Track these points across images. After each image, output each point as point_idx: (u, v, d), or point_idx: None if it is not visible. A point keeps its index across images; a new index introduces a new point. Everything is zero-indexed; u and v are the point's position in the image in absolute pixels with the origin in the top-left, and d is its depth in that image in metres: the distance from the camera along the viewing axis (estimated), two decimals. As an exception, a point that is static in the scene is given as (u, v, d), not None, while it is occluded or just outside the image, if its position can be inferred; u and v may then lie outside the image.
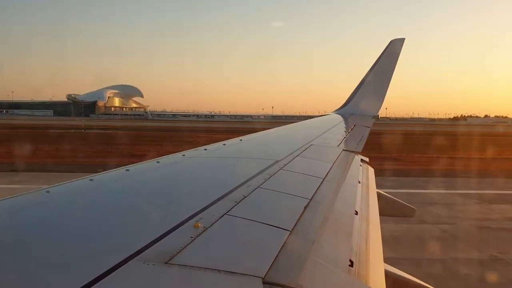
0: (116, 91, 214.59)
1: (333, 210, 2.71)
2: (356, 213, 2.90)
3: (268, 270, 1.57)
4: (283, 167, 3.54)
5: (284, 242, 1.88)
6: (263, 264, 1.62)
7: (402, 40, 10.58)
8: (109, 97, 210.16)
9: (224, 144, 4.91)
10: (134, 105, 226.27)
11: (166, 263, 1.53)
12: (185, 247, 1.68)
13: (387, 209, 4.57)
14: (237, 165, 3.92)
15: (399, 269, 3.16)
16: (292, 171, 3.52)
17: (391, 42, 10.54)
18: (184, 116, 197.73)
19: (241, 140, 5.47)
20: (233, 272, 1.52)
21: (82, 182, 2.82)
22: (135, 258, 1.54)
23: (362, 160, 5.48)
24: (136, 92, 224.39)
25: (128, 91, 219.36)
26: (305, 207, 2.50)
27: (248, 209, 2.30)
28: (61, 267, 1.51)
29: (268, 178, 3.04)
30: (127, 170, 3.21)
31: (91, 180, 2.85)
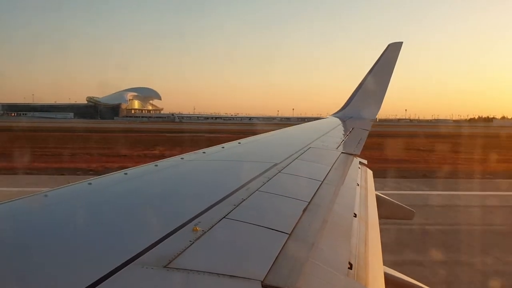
0: (135, 94, 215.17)
1: (332, 213, 2.71)
2: (355, 215, 2.90)
3: (267, 274, 1.56)
4: (281, 170, 3.54)
5: (283, 245, 1.87)
6: (262, 267, 1.61)
7: (400, 44, 10.62)
8: (129, 100, 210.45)
9: (223, 147, 4.91)
10: (150, 107, 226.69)
11: (164, 267, 1.53)
12: (184, 250, 1.67)
13: (386, 211, 4.57)
14: (235, 168, 3.92)
15: (398, 271, 3.16)
16: (291, 174, 3.51)
17: (389, 45, 10.58)
18: (207, 119, 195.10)
19: (239, 143, 5.48)
20: (232, 276, 1.51)
21: (80, 186, 2.82)
22: (134, 262, 1.53)
23: (360, 162, 5.48)
24: (154, 95, 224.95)
25: (146, 94, 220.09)
26: (304, 210, 2.49)
27: (247, 212, 2.29)
28: (59, 272, 1.50)
29: (267, 181, 3.03)
30: (125, 173, 3.21)
31: (90, 184, 2.85)
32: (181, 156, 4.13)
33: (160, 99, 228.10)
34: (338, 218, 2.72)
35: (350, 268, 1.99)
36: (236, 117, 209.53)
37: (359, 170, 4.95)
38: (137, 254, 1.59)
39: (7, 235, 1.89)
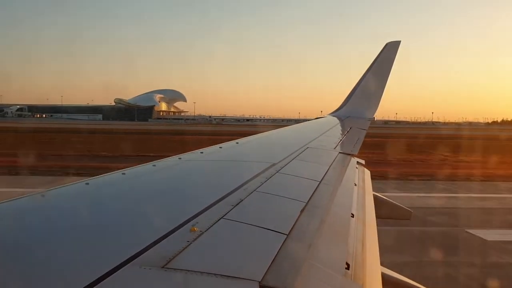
0: (162, 96, 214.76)
1: (330, 213, 2.72)
2: (353, 215, 2.91)
3: (265, 274, 1.57)
4: (279, 170, 3.54)
5: (281, 246, 1.88)
6: (260, 267, 1.62)
7: (397, 43, 10.63)
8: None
9: (221, 147, 4.91)
10: (172, 109, 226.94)
11: (162, 267, 1.53)
12: (182, 251, 1.68)
13: (383, 211, 4.58)
14: (233, 168, 3.92)
15: (395, 271, 3.17)
16: (288, 174, 3.52)
17: (386, 44, 10.58)
18: (238, 121, 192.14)
19: (237, 143, 5.48)
20: (230, 276, 1.51)
21: (77, 186, 2.81)
22: (132, 262, 1.54)
23: (358, 162, 5.49)
24: (180, 97, 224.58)
25: (172, 96, 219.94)
26: (302, 210, 2.50)
27: (245, 212, 2.30)
28: (57, 272, 1.50)
29: (265, 181, 3.04)
30: (123, 173, 3.20)
31: (87, 184, 2.84)
32: (179, 156, 4.13)
33: (186, 101, 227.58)
34: (335, 218, 2.73)
35: (348, 268, 2.00)
36: (265, 119, 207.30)
37: (357, 170, 4.96)
38: (135, 254, 1.59)
39: (5, 234, 1.89)
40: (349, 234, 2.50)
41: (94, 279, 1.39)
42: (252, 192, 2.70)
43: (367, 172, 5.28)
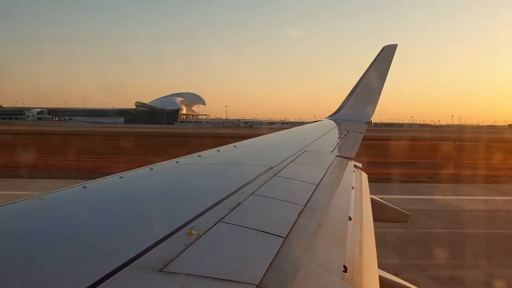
0: (182, 99, 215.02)
1: (327, 216, 2.72)
2: (350, 218, 2.91)
3: (263, 278, 1.57)
4: (277, 173, 3.55)
5: (279, 249, 1.88)
6: (258, 271, 1.62)
7: (394, 46, 10.68)
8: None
9: (218, 151, 4.91)
10: (190, 113, 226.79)
11: (160, 270, 1.53)
12: (179, 254, 1.68)
13: (380, 214, 4.59)
14: (231, 172, 3.92)
15: (393, 274, 3.18)
16: (286, 178, 3.52)
17: (383, 48, 10.63)
18: (272, 124, 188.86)
19: (235, 146, 5.48)
20: (227, 280, 1.52)
21: (75, 190, 2.81)
22: (129, 265, 1.54)
23: (355, 165, 5.50)
24: (199, 100, 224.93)
25: (191, 99, 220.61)
26: (299, 214, 2.50)
27: (242, 216, 2.30)
28: (54, 275, 1.50)
29: (262, 185, 3.04)
30: (120, 177, 3.20)
31: (84, 187, 2.84)
32: (176, 159, 4.13)
33: (205, 105, 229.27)
34: (333, 221, 2.73)
35: (345, 271, 2.00)
36: (288, 122, 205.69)
37: (354, 173, 4.97)
38: (132, 258, 1.59)
39: (1, 238, 1.89)
40: (347, 237, 2.50)
41: (92, 283, 1.39)
42: (249, 196, 2.70)
43: (365, 175, 5.29)
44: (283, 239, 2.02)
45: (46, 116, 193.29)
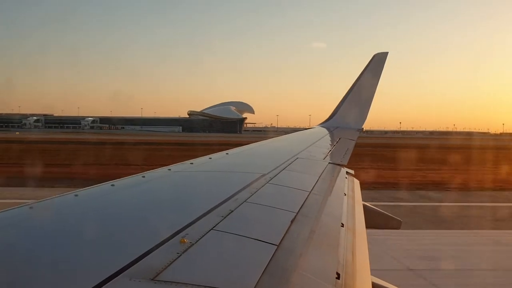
0: (234, 108, 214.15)
1: (320, 223, 2.73)
2: (342, 225, 2.92)
3: (256, 285, 1.56)
4: (269, 180, 3.55)
5: (272, 257, 1.88)
6: (250, 279, 1.61)
7: (385, 54, 10.78)
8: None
9: (210, 158, 4.90)
10: None
11: (152, 279, 1.52)
12: (172, 263, 1.67)
13: (373, 221, 4.60)
14: (223, 179, 3.92)
15: (386, 281, 3.18)
16: (278, 185, 3.53)
17: (374, 56, 10.72)
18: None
19: (227, 153, 5.48)
20: None
21: (66, 198, 2.79)
22: (121, 274, 1.52)
23: (347, 172, 5.52)
24: (248, 109, 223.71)
25: (242, 108, 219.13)
26: (292, 221, 2.50)
27: (235, 223, 2.29)
28: (47, 285, 1.48)
29: (255, 192, 3.04)
30: (112, 185, 3.18)
31: (76, 195, 2.82)
32: (169, 167, 4.12)
33: (254, 113, 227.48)
34: (325, 228, 2.73)
35: (338, 278, 2.00)
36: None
37: (346, 180, 4.98)
38: (124, 267, 1.58)
39: None
40: (339, 244, 2.51)
41: None
42: (242, 203, 2.70)
43: (357, 182, 5.30)
44: (276, 246, 2.02)
45: (99, 124, 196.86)
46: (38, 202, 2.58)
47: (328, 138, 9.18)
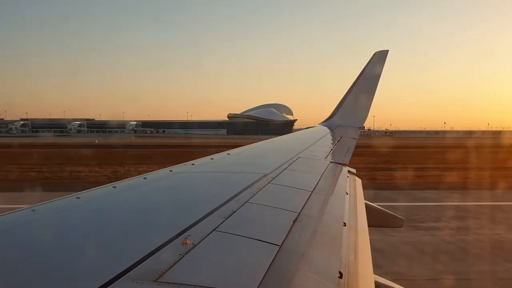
0: (275, 110, 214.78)
1: (322, 223, 2.73)
2: (345, 224, 2.92)
3: (258, 286, 1.57)
4: (271, 180, 3.55)
5: (274, 257, 1.88)
6: (253, 280, 1.62)
7: (386, 52, 10.76)
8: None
9: (212, 159, 4.91)
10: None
11: (155, 281, 1.52)
12: (174, 264, 1.67)
13: (375, 220, 4.60)
14: (225, 180, 3.92)
15: (389, 280, 3.18)
16: (280, 185, 3.53)
17: (375, 54, 10.71)
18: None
19: (228, 154, 5.48)
20: None
21: (68, 200, 2.79)
22: (124, 276, 1.53)
23: (349, 171, 5.51)
24: (287, 110, 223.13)
25: (281, 109, 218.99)
26: (294, 221, 2.50)
27: (237, 224, 2.30)
28: (50, 287, 1.49)
29: (257, 193, 3.04)
30: (113, 187, 3.18)
31: (78, 198, 2.82)
32: (170, 168, 4.12)
33: (292, 115, 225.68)
34: (328, 228, 2.73)
35: (341, 277, 2.00)
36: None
37: (348, 179, 4.98)
38: (127, 268, 1.58)
39: None
40: (342, 243, 2.51)
41: None
42: (244, 204, 2.70)
43: (359, 181, 5.30)
44: (278, 247, 2.02)
45: (140, 128, 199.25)
46: (40, 204, 2.59)
47: (329, 136, 9.18)
